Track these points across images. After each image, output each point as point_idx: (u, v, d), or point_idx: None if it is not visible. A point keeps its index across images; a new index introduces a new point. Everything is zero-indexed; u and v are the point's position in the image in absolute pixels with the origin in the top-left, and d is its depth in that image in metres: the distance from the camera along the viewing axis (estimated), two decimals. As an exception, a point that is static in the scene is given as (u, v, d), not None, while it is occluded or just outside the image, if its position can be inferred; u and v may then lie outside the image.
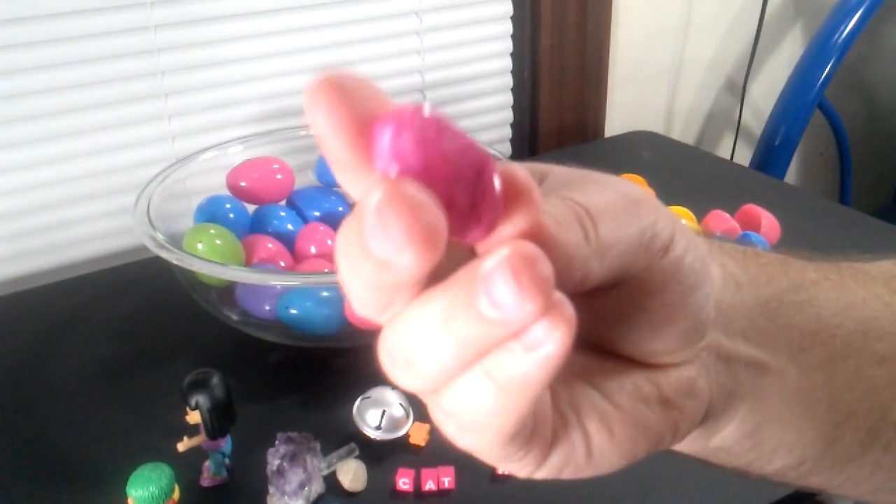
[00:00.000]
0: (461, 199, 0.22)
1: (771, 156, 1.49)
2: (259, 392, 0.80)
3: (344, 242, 0.22)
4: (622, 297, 0.28)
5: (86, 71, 1.00)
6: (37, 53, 0.97)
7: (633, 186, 0.28)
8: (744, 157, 1.61)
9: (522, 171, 0.23)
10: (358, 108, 0.22)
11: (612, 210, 0.26)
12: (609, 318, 0.28)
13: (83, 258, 1.07)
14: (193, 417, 0.67)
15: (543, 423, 0.27)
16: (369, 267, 0.22)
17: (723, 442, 0.33)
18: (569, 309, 0.22)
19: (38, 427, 0.77)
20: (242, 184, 0.93)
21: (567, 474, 0.29)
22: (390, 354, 0.24)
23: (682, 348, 0.29)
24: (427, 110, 0.21)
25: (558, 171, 0.29)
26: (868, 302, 0.35)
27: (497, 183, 0.22)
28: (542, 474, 0.28)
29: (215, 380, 0.67)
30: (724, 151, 1.63)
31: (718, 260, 0.33)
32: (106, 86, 1.02)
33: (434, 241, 0.21)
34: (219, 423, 0.67)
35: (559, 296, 0.22)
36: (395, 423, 0.72)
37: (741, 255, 0.34)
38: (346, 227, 0.22)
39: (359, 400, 0.73)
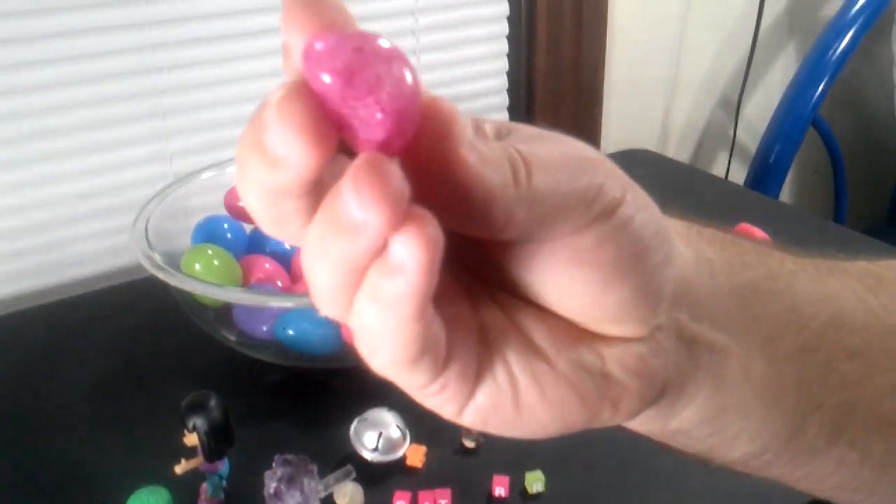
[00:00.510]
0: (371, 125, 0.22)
1: (766, 173, 1.50)
2: (256, 413, 0.80)
3: (243, 142, 0.23)
4: (562, 254, 0.27)
5: (85, 90, 1.00)
6: (36, 73, 0.97)
7: (590, 150, 0.28)
8: (739, 174, 1.62)
9: (447, 105, 0.23)
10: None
11: (555, 163, 0.26)
12: (550, 274, 0.28)
13: (82, 277, 1.07)
14: (191, 440, 0.67)
15: (462, 356, 0.27)
16: (262, 164, 0.22)
17: (681, 425, 0.32)
18: (432, 228, 0.22)
19: (34, 448, 0.77)
20: (240, 203, 0.93)
21: (495, 426, 0.28)
22: (306, 279, 0.24)
23: (627, 319, 0.28)
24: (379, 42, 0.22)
25: (522, 129, 0.29)
26: (843, 296, 0.34)
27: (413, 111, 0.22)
28: (468, 418, 0.28)
29: (213, 402, 0.67)
30: (719, 169, 1.64)
31: (695, 244, 0.32)
32: (105, 105, 1.02)
33: (324, 139, 0.22)
34: (216, 446, 0.68)
35: (423, 215, 0.22)
36: (391, 445, 0.72)
37: (719, 241, 0.33)
38: (247, 126, 0.23)
39: (355, 421, 0.73)
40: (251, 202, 0.24)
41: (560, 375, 0.28)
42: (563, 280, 0.28)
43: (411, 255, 0.22)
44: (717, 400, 0.31)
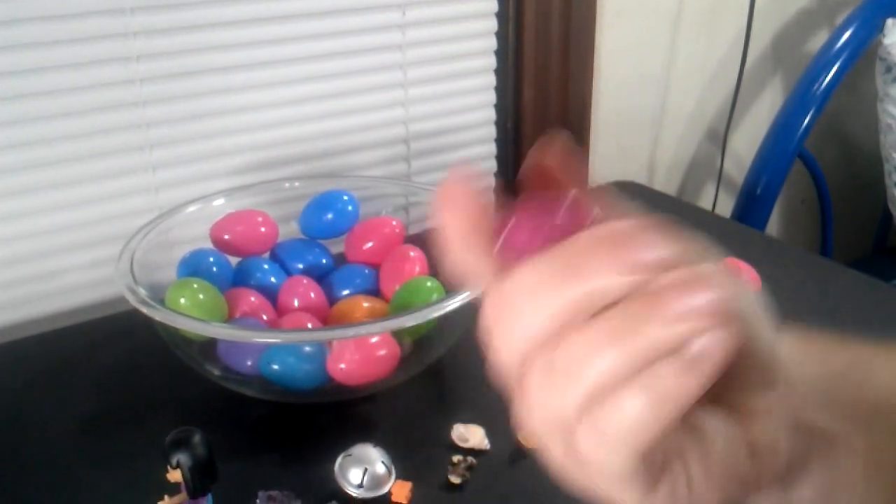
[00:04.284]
0: None
1: (752, 205, 1.51)
2: (240, 448, 0.79)
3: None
4: None
5: (70, 123, 1.00)
6: (21, 106, 0.97)
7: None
8: (726, 205, 1.62)
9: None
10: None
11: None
12: None
13: (65, 309, 1.07)
14: (174, 476, 0.67)
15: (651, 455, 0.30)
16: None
17: (799, 501, 0.35)
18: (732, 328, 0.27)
19: (15, 484, 0.76)
20: (226, 237, 0.93)
21: None
22: (549, 367, 0.28)
23: (754, 389, 0.32)
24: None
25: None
26: None
27: None
28: None
29: (197, 438, 0.67)
30: (706, 200, 1.65)
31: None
32: (91, 137, 1.02)
33: None
34: (200, 482, 0.67)
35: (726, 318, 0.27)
36: (377, 481, 0.72)
37: (797, 338, 0.36)
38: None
39: (340, 457, 0.73)
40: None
41: (720, 458, 0.31)
42: None
43: (713, 351, 0.27)
44: (827, 478, 0.35)
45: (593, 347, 0.27)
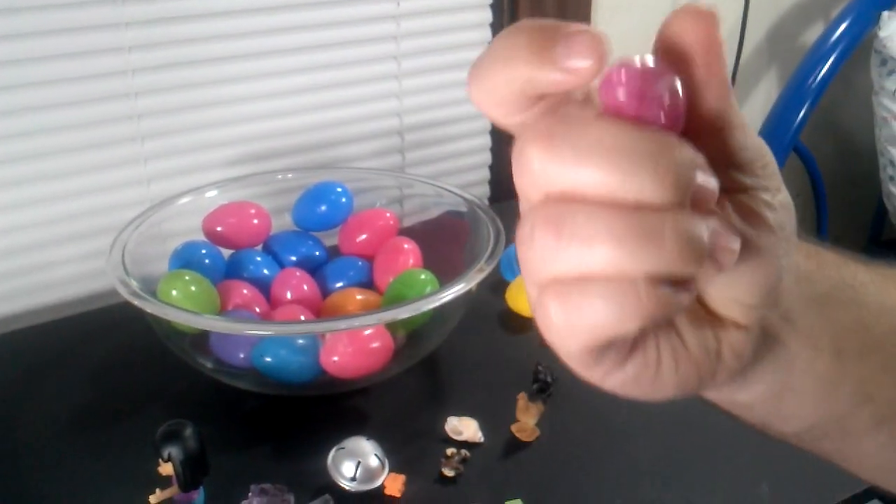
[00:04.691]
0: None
1: (747, 198, 1.50)
2: (233, 441, 0.79)
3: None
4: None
5: (62, 114, 1.00)
6: (12, 97, 0.96)
7: None
8: (720, 199, 1.62)
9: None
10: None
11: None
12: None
13: (58, 301, 1.06)
14: (166, 469, 0.66)
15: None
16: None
17: (746, 399, 0.37)
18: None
19: (7, 476, 0.75)
20: (219, 229, 0.93)
21: (629, 391, 0.32)
22: (553, 223, 0.27)
23: (757, 305, 0.32)
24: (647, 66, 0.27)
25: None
26: None
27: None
28: (611, 384, 0.32)
29: (188, 431, 0.67)
30: (701, 193, 1.64)
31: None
32: (83, 129, 1.01)
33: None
34: (191, 476, 0.67)
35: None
36: (370, 474, 0.71)
37: (805, 251, 0.36)
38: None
39: (333, 450, 0.72)
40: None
41: (690, 356, 0.32)
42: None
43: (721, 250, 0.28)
44: (780, 384, 0.36)
45: (593, 235, 0.26)
